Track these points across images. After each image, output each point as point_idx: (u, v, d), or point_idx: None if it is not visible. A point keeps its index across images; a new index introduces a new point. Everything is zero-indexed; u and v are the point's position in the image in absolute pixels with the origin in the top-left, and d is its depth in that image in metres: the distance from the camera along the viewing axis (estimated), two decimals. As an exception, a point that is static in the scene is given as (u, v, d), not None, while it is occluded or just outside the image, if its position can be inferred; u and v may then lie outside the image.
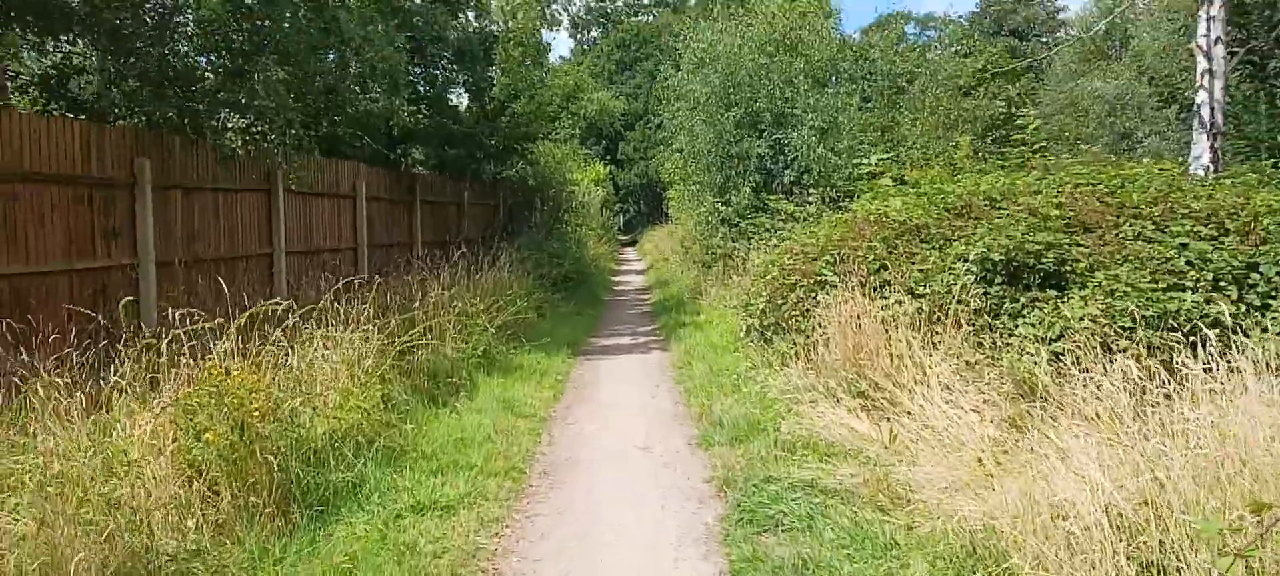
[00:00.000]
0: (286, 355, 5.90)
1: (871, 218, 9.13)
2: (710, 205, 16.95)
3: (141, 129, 8.99)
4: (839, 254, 8.73)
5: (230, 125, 9.06)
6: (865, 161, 14.27)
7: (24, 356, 5.44)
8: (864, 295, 7.58)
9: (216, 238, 9.93)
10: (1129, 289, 6.75)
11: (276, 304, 5.65)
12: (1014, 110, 18.45)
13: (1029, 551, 4.04)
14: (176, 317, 5.55)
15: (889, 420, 6.39)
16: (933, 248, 8.38)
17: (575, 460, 6.66)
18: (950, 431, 6.12)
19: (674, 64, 20.54)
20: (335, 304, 7.36)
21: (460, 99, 18.48)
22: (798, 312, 8.82)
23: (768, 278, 9.88)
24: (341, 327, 7.07)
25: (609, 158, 45.62)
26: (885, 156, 11.13)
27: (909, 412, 6.38)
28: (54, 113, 9.33)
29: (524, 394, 8.64)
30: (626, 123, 46.67)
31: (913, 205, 9.13)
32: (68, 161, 7.80)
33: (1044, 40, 37.90)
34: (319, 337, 6.34)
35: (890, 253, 8.44)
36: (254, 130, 9.11)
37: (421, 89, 16.60)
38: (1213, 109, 11.16)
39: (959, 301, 7.21)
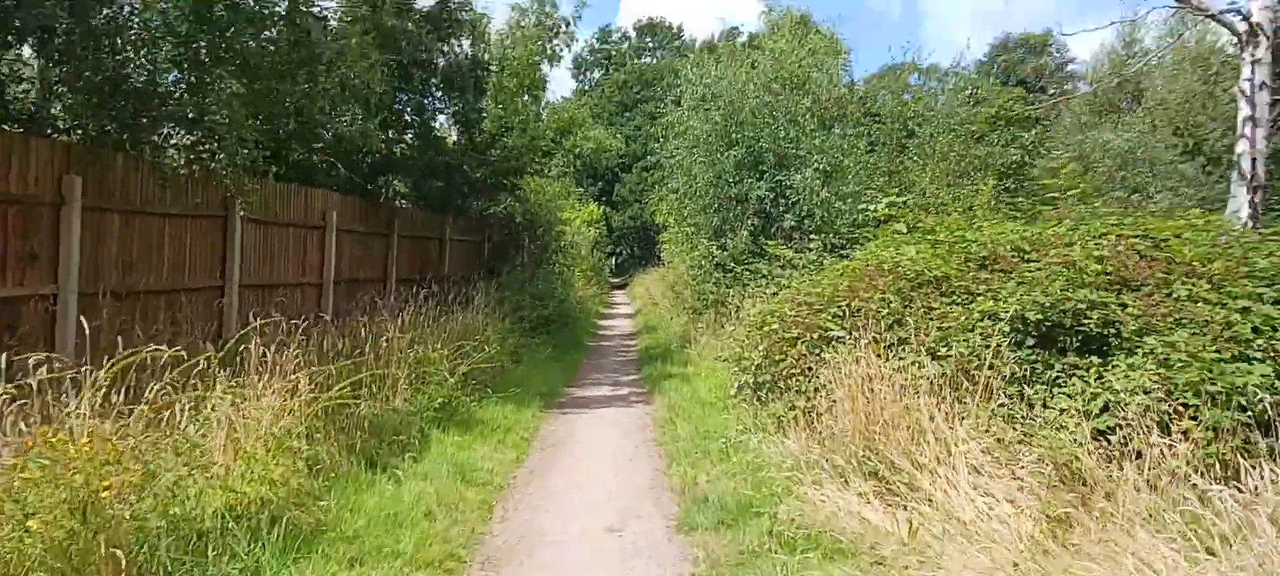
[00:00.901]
0: (176, 413, 4.82)
1: (884, 266, 8.12)
2: (705, 249, 15.96)
3: (75, 144, 8.00)
4: (848, 306, 7.72)
5: (173, 142, 8.05)
6: (872, 206, 13.34)
7: None
8: (878, 355, 6.54)
9: (159, 267, 8.89)
10: (1188, 358, 5.73)
11: (159, 350, 4.59)
12: (1028, 159, 17.57)
13: None
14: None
15: (907, 507, 5.32)
16: (954, 302, 7.38)
17: (528, 546, 5.56)
18: (980, 525, 5.06)
19: (674, 100, 19.68)
20: (264, 348, 6.31)
21: (449, 130, 17.58)
22: (798, 371, 7.78)
23: (764, 329, 8.86)
24: (264, 377, 6.01)
25: (604, 198, 44.79)
26: (898, 200, 10.17)
27: (931, 499, 5.32)
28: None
29: (481, 455, 7.56)
30: (623, 164, 45.88)
31: (929, 254, 8.13)
32: (-21, 177, 6.80)
33: (1052, 92, 37.20)
34: (218, 392, 5.25)
35: (906, 307, 7.43)
36: (202, 148, 8.11)
37: (408, 117, 15.67)
38: (1254, 160, 10.25)
39: (990, 366, 6.18)
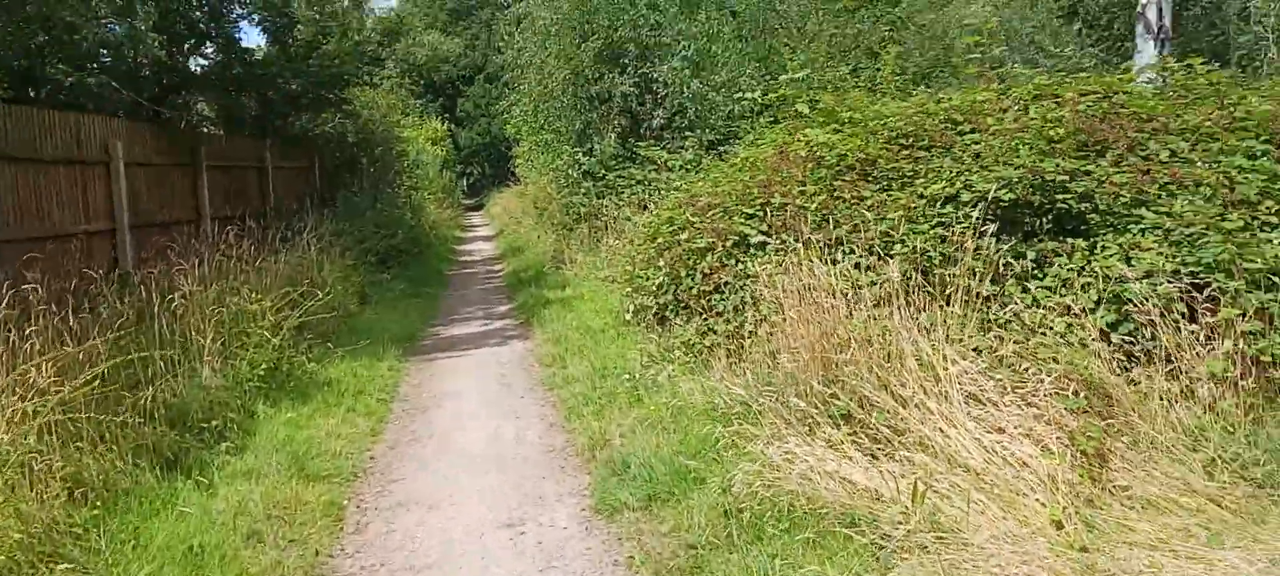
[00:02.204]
0: None
1: (798, 153, 6.80)
2: (569, 155, 14.34)
3: None
4: (766, 204, 6.39)
5: None
6: (749, 94, 12.07)
7: None
8: (821, 259, 5.24)
9: None
10: (1201, 231, 4.69)
11: None
12: (895, 35, 16.66)
13: None
14: None
15: (896, 458, 4.08)
16: (883, 189, 6.16)
17: (390, 572, 4.01)
18: (996, 474, 3.87)
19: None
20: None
21: (259, 43, 15.12)
22: (711, 288, 6.44)
23: (659, 240, 7.46)
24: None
25: (447, 115, 42.02)
26: (798, 76, 8.87)
27: (926, 444, 4.09)
28: None
29: (326, 432, 5.88)
30: (464, 75, 43.18)
31: (846, 136, 6.86)
32: None
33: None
34: None
35: (835, 199, 6.15)
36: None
37: (201, 25, 13.14)
38: (1160, 8, 9.53)
39: (953, 262, 4.98)
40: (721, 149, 12.28)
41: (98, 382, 4.74)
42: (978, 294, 4.83)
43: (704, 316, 6.49)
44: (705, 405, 5.31)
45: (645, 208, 11.16)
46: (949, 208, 5.41)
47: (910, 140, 6.59)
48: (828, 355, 4.62)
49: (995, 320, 4.77)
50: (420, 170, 23.25)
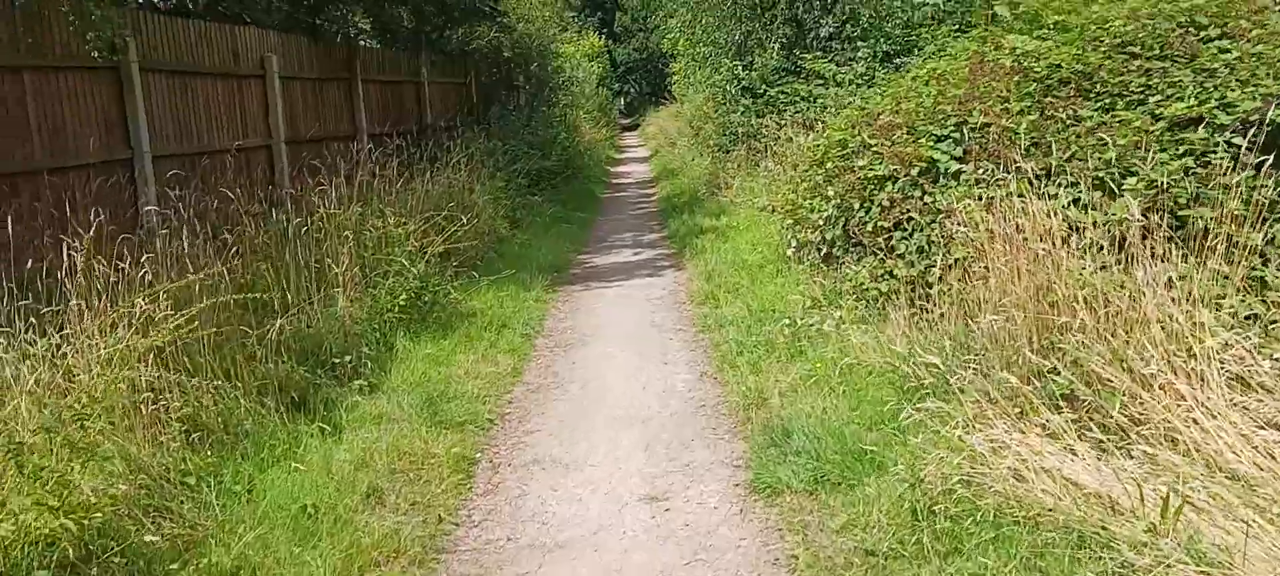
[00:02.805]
0: None
1: (1001, 63, 5.78)
2: (728, 70, 13.45)
3: None
4: (962, 124, 5.45)
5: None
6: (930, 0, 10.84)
7: None
8: (1037, 196, 4.32)
9: (25, 139, 6.66)
10: None
11: None
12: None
13: None
14: None
15: (1134, 456, 3.23)
16: (1105, 108, 5.10)
17: (520, 548, 3.53)
18: (1276, 486, 2.97)
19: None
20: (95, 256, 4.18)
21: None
22: (891, 223, 5.59)
23: (828, 166, 6.61)
24: (102, 302, 3.89)
25: (604, 30, 41.41)
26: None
27: (1174, 439, 3.22)
28: None
29: (464, 370, 5.50)
30: (622, -14, 42.31)
31: (1053, 43, 5.77)
32: None
33: None
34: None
35: (1046, 119, 5.15)
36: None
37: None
38: None
39: (1230, 203, 3.96)
40: (898, 61, 11.14)
41: (222, 313, 4.45)
42: (1243, 244, 3.83)
43: (880, 256, 5.66)
44: (882, 366, 4.55)
45: (810, 128, 10.25)
46: (1198, 131, 4.36)
47: (1139, 48, 5.46)
48: (1043, 316, 3.76)
49: (1270, 280, 3.77)
50: (576, 87, 22.80)
